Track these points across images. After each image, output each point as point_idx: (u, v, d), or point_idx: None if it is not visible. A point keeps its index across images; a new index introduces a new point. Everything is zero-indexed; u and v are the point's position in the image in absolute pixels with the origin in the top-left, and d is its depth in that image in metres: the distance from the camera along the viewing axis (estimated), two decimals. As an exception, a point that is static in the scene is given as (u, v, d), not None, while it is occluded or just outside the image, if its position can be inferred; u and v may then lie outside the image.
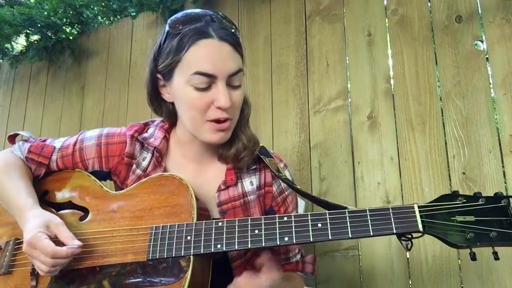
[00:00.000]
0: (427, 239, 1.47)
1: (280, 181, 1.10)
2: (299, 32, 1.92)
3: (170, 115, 1.10)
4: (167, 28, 1.01)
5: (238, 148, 1.07)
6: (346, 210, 0.87)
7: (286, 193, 1.13)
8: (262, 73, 1.97)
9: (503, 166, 1.42)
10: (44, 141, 1.17)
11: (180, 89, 1.00)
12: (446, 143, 1.52)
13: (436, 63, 1.60)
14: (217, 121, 0.99)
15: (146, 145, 1.11)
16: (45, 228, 0.95)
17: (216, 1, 2.19)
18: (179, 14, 1.02)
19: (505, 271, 1.36)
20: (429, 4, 1.67)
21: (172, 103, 1.07)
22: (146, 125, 1.16)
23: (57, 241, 0.94)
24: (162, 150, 1.10)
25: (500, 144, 1.43)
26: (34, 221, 0.96)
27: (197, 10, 1.03)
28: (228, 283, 1.00)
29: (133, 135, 1.11)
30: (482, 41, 1.54)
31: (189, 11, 1.03)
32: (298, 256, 1.13)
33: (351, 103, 1.73)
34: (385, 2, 1.76)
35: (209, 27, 0.98)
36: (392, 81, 1.67)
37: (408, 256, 1.51)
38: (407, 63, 1.65)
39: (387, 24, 1.73)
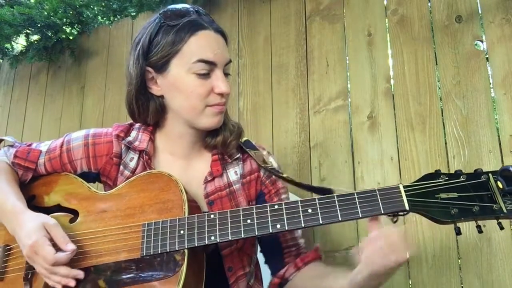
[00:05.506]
0: (427, 239, 1.47)
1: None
2: (299, 32, 1.92)
3: (157, 112, 1.08)
4: (159, 21, 1.03)
5: (226, 135, 1.10)
6: (335, 194, 0.89)
7: (274, 176, 1.14)
8: (262, 73, 1.97)
9: (503, 166, 1.42)
10: (30, 145, 1.16)
11: (180, 78, 1.01)
12: (446, 143, 1.52)
13: (436, 63, 1.60)
14: (217, 105, 1.04)
15: (131, 148, 1.11)
16: (44, 231, 0.94)
17: (216, 1, 2.19)
18: (170, 8, 1.05)
19: (505, 271, 1.36)
20: (429, 4, 1.67)
21: (161, 97, 1.07)
22: (131, 126, 1.15)
23: (54, 244, 0.93)
24: (150, 152, 1.10)
25: (500, 144, 1.43)
26: (31, 224, 0.95)
27: (184, 5, 1.07)
28: (218, 272, 1.02)
29: (118, 135, 1.11)
30: (482, 41, 1.54)
31: (177, 6, 1.06)
32: (302, 240, 1.15)
33: (351, 103, 1.73)
34: (385, 2, 1.76)
35: (202, 20, 1.03)
36: (392, 81, 1.67)
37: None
38: (407, 63, 1.65)
39: (387, 24, 1.73)
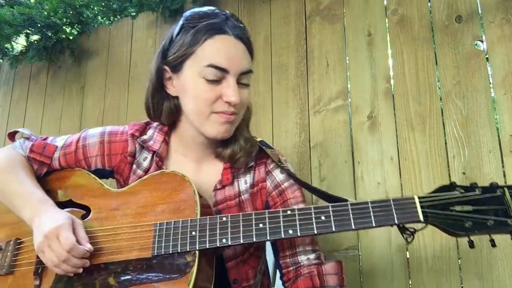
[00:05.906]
0: (427, 238, 1.47)
1: (275, 176, 1.11)
2: (299, 32, 1.92)
3: (171, 112, 1.07)
4: (182, 21, 1.01)
5: (235, 149, 1.07)
6: (348, 202, 0.89)
7: (282, 186, 1.11)
8: (262, 73, 1.97)
9: (503, 166, 1.42)
10: (45, 139, 1.17)
11: (190, 81, 0.99)
12: (446, 143, 1.52)
13: (436, 63, 1.60)
14: (224, 113, 1.00)
15: (145, 147, 1.11)
16: (72, 221, 0.96)
17: (216, 1, 2.19)
18: (196, 10, 1.03)
19: (505, 271, 1.36)
20: (429, 4, 1.67)
21: (176, 98, 1.06)
22: (147, 125, 1.15)
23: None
24: (162, 154, 1.10)
25: (500, 144, 1.43)
26: (61, 213, 0.97)
27: (213, 8, 1.03)
28: (223, 284, 1.01)
29: (133, 134, 1.11)
30: (482, 41, 1.54)
31: (205, 8, 1.03)
32: (305, 257, 1.06)
33: (351, 103, 1.73)
34: (385, 2, 1.76)
35: (225, 24, 0.99)
36: (392, 81, 1.67)
37: (408, 256, 1.51)
38: (407, 63, 1.65)
39: (387, 24, 1.73)
